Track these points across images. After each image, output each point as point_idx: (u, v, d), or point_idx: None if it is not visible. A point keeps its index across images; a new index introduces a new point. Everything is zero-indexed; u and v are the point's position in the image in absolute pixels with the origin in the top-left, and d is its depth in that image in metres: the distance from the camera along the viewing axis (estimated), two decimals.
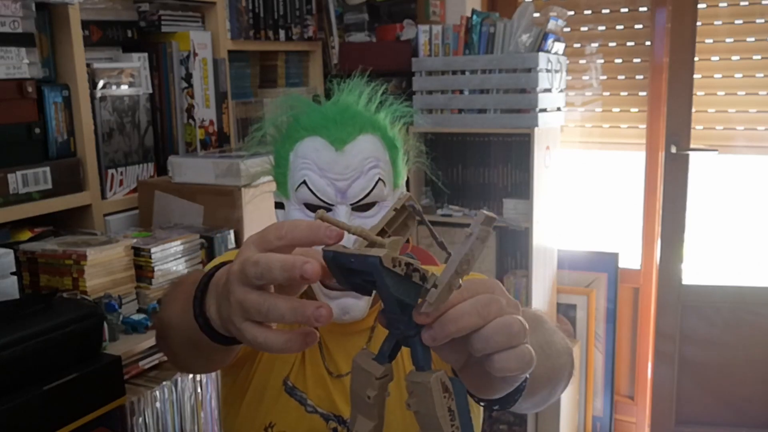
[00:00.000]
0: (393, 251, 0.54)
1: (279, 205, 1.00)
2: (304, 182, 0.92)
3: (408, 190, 1.04)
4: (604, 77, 2.91)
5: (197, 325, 0.66)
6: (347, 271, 0.55)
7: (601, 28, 2.89)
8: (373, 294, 0.97)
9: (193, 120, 2.11)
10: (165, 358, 1.60)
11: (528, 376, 0.66)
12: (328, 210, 0.93)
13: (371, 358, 0.59)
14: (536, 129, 2.37)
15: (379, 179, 0.93)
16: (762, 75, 2.69)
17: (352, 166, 0.91)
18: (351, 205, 0.92)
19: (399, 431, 0.97)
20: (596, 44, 2.90)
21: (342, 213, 0.92)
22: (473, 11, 2.46)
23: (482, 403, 0.73)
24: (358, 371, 0.59)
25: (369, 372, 0.58)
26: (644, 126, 2.86)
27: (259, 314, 0.55)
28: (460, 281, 0.54)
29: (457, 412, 0.54)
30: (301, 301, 0.54)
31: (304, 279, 0.52)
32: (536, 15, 2.52)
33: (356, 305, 0.93)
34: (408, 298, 0.54)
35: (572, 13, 2.81)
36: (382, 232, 0.60)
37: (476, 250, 0.54)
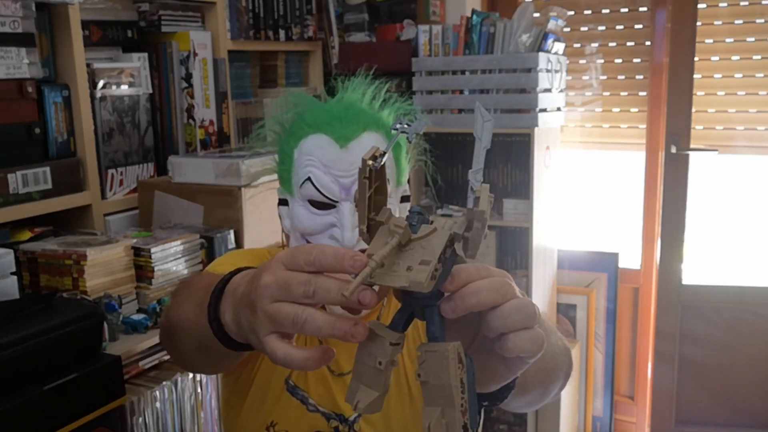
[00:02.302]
0: (406, 236, 0.56)
1: (283, 202, 1.00)
2: (309, 179, 0.93)
3: (409, 188, 1.04)
4: (604, 77, 2.91)
5: (210, 330, 0.67)
6: None
7: (601, 28, 2.89)
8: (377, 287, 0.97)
9: (193, 120, 2.11)
10: (165, 358, 1.59)
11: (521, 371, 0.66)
12: (332, 206, 0.93)
13: (384, 326, 0.59)
14: (536, 129, 2.37)
15: None
16: (762, 75, 2.69)
17: (356, 163, 0.91)
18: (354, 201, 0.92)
19: (399, 425, 0.97)
20: (596, 44, 2.90)
21: (346, 210, 0.92)
22: (473, 11, 2.46)
23: None
24: (369, 336, 0.58)
25: (383, 337, 0.58)
26: (644, 126, 2.86)
27: (293, 326, 0.55)
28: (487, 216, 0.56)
29: (466, 387, 0.55)
30: (338, 316, 0.55)
31: (362, 305, 0.53)
32: (536, 15, 2.52)
33: None
34: (443, 278, 0.56)
35: (572, 13, 2.81)
36: (369, 198, 0.60)
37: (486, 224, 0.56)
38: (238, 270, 0.69)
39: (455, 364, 0.54)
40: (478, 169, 0.56)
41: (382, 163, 0.61)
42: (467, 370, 0.55)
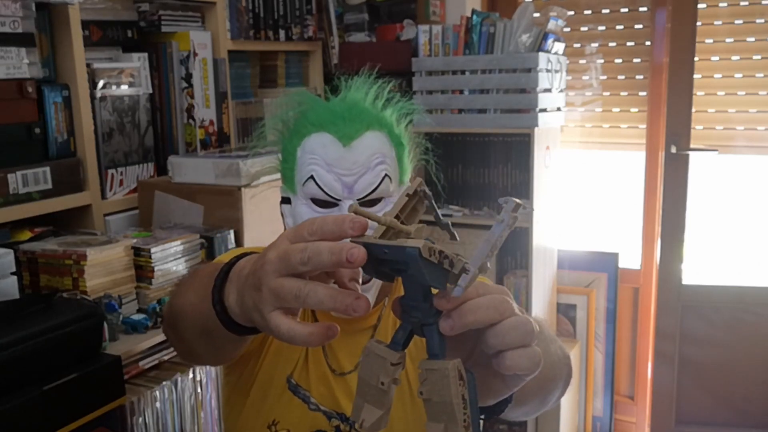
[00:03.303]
0: (419, 235, 0.56)
1: (285, 200, 1.01)
2: (312, 177, 0.93)
3: None
4: (604, 77, 2.91)
5: (214, 313, 0.67)
6: (375, 261, 0.56)
7: (601, 28, 2.89)
8: (379, 287, 0.97)
9: (193, 120, 2.11)
10: (165, 358, 1.59)
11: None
12: (335, 205, 0.94)
13: (384, 345, 0.59)
14: (536, 129, 2.37)
15: (386, 175, 0.94)
16: (762, 75, 2.69)
17: (359, 162, 0.92)
18: (358, 200, 0.93)
19: (400, 424, 0.97)
20: (596, 44, 2.90)
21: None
22: (473, 11, 2.46)
23: None
24: (370, 357, 0.59)
25: (383, 358, 0.58)
26: (644, 126, 2.86)
27: (296, 299, 0.55)
28: (488, 263, 0.56)
29: (468, 402, 0.55)
30: (340, 290, 0.55)
31: (350, 263, 0.53)
32: (536, 15, 2.52)
33: None
34: (437, 285, 0.56)
35: (572, 13, 2.81)
36: (395, 218, 0.61)
37: (505, 236, 0.56)
38: (243, 255, 0.69)
39: (456, 381, 0.55)
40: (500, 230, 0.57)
41: (429, 194, 0.62)
42: (469, 385, 0.56)
